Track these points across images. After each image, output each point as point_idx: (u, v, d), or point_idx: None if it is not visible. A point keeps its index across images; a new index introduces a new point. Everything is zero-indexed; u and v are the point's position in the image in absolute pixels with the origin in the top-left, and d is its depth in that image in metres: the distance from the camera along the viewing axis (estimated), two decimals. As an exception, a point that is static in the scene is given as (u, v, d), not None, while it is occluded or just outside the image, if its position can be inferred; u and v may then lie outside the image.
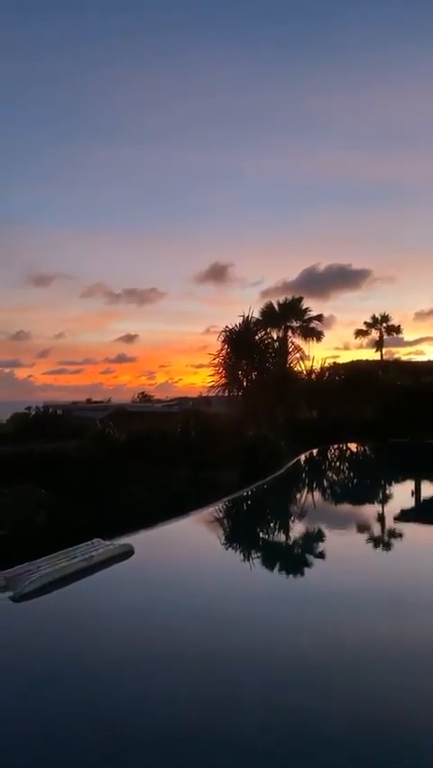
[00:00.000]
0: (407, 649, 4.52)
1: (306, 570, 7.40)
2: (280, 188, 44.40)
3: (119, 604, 5.61)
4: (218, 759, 3.07)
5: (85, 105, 36.24)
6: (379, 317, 30.12)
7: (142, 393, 44.49)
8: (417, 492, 13.97)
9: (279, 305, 26.20)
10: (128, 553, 6.92)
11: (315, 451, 20.78)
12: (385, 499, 13.47)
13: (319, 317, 26.45)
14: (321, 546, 8.47)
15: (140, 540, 7.56)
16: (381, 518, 10.89)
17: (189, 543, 8.51)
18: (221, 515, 10.35)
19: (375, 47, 29.27)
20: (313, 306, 26.96)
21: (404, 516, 10.64)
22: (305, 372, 27.15)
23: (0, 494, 8.60)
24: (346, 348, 35.83)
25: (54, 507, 8.95)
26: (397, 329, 30.11)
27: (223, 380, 24.87)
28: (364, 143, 38.46)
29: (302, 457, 18.88)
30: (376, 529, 9.80)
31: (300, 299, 26.44)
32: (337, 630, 4.91)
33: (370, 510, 12.14)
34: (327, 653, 4.44)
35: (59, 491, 9.75)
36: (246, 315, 25.49)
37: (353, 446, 23.02)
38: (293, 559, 7.92)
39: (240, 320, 25.40)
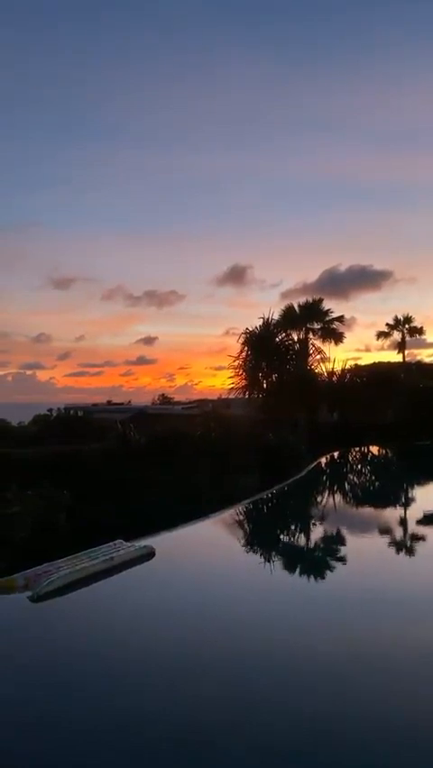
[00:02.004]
0: (427, 651, 4.41)
1: (325, 572, 7.29)
2: (300, 189, 44.38)
3: (139, 605, 5.59)
4: (239, 758, 3.02)
5: (107, 110, 36.70)
6: (401, 318, 29.77)
7: (162, 395, 44.62)
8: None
9: (299, 306, 26.07)
10: (149, 554, 6.89)
11: (335, 454, 20.57)
12: (407, 502, 13.24)
13: (340, 319, 26.26)
14: (341, 549, 8.36)
15: (161, 542, 7.53)
16: (402, 522, 10.70)
17: (210, 545, 8.45)
18: (241, 517, 10.28)
19: (393, 46, 29.03)
20: (333, 307, 26.78)
21: (427, 519, 10.42)
22: (326, 374, 26.94)
23: (21, 496, 8.63)
24: (368, 350, 35.48)
25: (75, 509, 8.99)
26: (420, 330, 29.75)
27: (243, 383, 24.82)
28: (386, 144, 38.19)
29: (323, 460, 18.70)
30: (397, 533, 9.63)
31: (321, 301, 26.28)
32: (356, 631, 4.83)
33: (391, 514, 11.94)
34: (346, 652, 4.38)
35: (80, 493, 9.78)
36: (266, 316, 25.42)
37: (374, 449, 22.74)
38: (313, 562, 7.82)
39: (260, 322, 25.35)
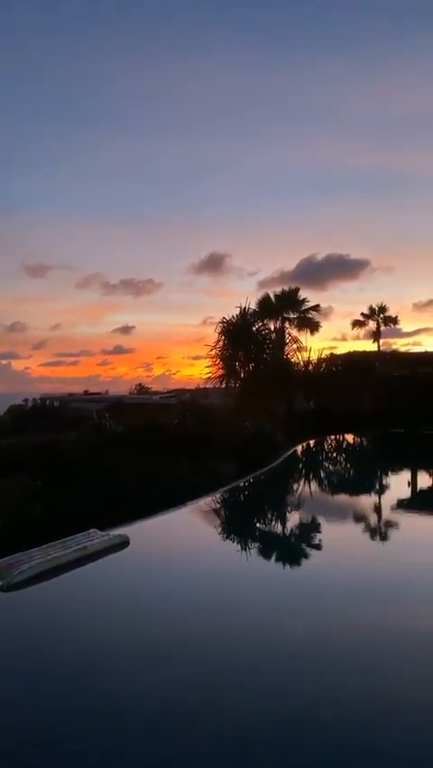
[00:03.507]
0: (400, 635, 4.52)
1: (300, 559, 7.41)
2: (278, 178, 44.20)
3: (112, 594, 5.61)
4: (217, 744, 3.07)
5: (84, 96, 35.96)
6: (376, 308, 30.06)
7: (140, 385, 44.42)
8: (413, 482, 13.99)
9: (276, 296, 26.11)
10: (124, 543, 6.91)
11: (311, 442, 20.79)
12: (381, 489, 13.49)
13: (316, 308, 26.37)
14: (316, 536, 8.48)
15: (136, 530, 7.55)
16: (376, 508, 10.90)
17: (185, 533, 8.50)
18: (217, 505, 10.35)
19: (374, 38, 29.03)
20: (311, 296, 26.89)
21: (400, 505, 10.65)
22: (302, 363, 27.12)
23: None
24: (344, 339, 35.70)
25: (50, 499, 8.94)
26: (394, 320, 30.07)
27: (220, 372, 24.85)
28: (364, 133, 38.26)
29: (299, 448, 18.89)
30: (371, 519, 9.81)
31: (297, 290, 26.35)
32: (330, 617, 4.91)
33: (365, 500, 12.15)
34: (321, 639, 4.44)
35: (56, 483, 9.73)
36: (243, 306, 25.43)
37: (349, 437, 23.04)
38: (288, 548, 7.94)
39: (237, 311, 25.35)
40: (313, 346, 27.32)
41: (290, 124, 38.44)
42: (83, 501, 9.03)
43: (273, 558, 7.69)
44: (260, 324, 25.73)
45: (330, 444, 21.63)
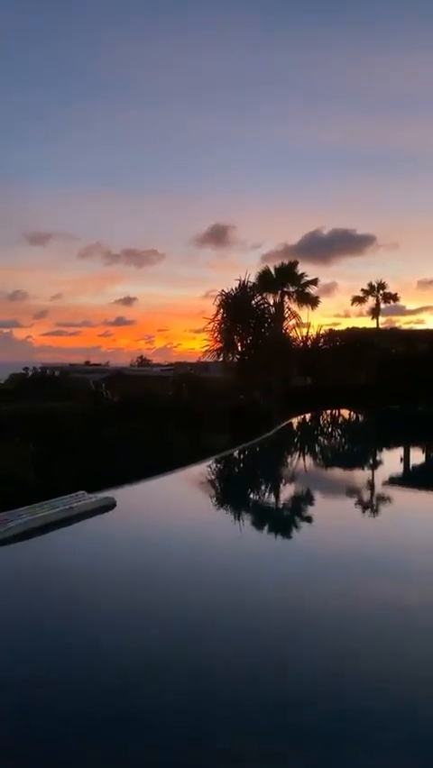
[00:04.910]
0: (390, 608, 4.56)
1: (283, 526, 7.66)
2: (285, 150, 43.65)
3: (95, 553, 5.91)
4: (201, 705, 3.20)
5: (87, 64, 35.35)
6: (376, 285, 30.02)
7: (141, 357, 44.81)
8: (405, 458, 14.22)
9: (275, 269, 26.10)
10: (110, 505, 7.20)
11: (306, 416, 21.07)
12: (373, 464, 13.75)
13: (315, 282, 26.37)
14: (303, 505, 8.74)
15: (123, 494, 7.85)
16: (366, 482, 11.19)
17: (172, 498, 8.81)
18: (205, 472, 10.65)
19: (380, 9, 28.37)
20: (315, 271, 26.88)
21: (392, 480, 10.82)
22: (301, 339, 27.25)
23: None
24: (347, 316, 35.69)
25: (43, 464, 9.25)
26: (394, 297, 30.02)
27: (218, 345, 25.02)
28: (371, 107, 37.62)
29: (293, 421, 19.18)
30: (361, 492, 10.03)
31: (296, 264, 26.30)
32: (314, 586, 4.99)
33: (354, 472, 12.44)
34: (305, 608, 4.54)
35: (52, 450, 10.04)
36: (243, 279, 25.45)
37: (344, 412, 23.30)
38: (273, 516, 8.20)
39: (237, 284, 25.39)
40: (315, 322, 27.47)
41: (297, 98, 37.84)
42: (76, 467, 9.35)
43: (256, 524, 7.96)
44: (259, 297, 25.79)
45: (324, 419, 21.91)
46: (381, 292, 30.00)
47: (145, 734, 2.85)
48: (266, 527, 7.77)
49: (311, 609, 4.48)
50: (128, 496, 8.03)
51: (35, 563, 5.59)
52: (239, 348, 25.34)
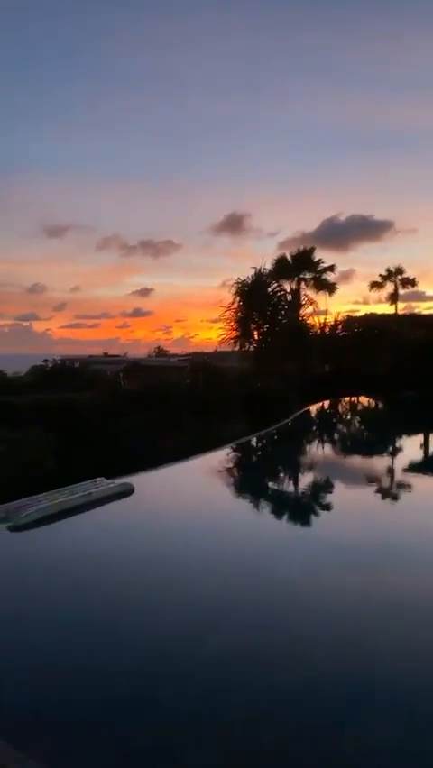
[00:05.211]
0: (413, 595, 4.58)
1: (301, 513, 7.74)
2: (301, 136, 43.19)
3: (113, 536, 6.07)
4: (207, 683, 3.32)
5: (104, 51, 35.28)
6: (393, 270, 29.65)
7: (158, 348, 44.91)
8: (426, 445, 14.13)
9: (291, 256, 25.96)
10: (128, 491, 7.37)
11: (323, 403, 21.04)
12: (392, 451, 13.70)
13: (331, 268, 26.17)
14: (318, 491, 8.82)
15: (140, 480, 8.02)
16: (385, 469, 11.20)
17: (188, 484, 8.95)
18: (221, 459, 10.76)
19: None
20: (333, 258, 26.76)
21: (412, 467, 10.72)
22: (318, 326, 27.10)
23: (9, 437, 9.07)
24: (366, 303, 35.36)
25: (64, 452, 9.45)
26: (412, 282, 29.61)
27: (234, 333, 25.00)
28: (389, 90, 36.96)
29: (310, 408, 19.18)
30: (380, 479, 10.04)
31: (312, 250, 26.11)
32: (329, 573, 5.07)
33: (375, 461, 12.40)
34: (315, 592, 4.62)
35: (72, 438, 10.24)
36: (259, 266, 25.35)
37: (361, 399, 23.20)
38: (288, 502, 8.29)
39: (253, 272, 25.31)
40: (333, 309, 27.28)
41: (314, 81, 37.32)
42: (95, 455, 9.54)
43: (270, 509, 8.06)
44: (275, 285, 25.68)
45: (341, 406, 21.85)
46: (399, 277, 29.63)
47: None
48: (280, 513, 7.86)
49: (326, 597, 4.48)
50: (146, 482, 8.19)
51: (54, 547, 5.77)
52: (255, 336, 25.30)
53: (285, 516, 7.65)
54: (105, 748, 2.69)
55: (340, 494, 8.61)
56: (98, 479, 7.50)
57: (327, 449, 13.91)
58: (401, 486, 9.31)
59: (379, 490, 8.90)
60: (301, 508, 7.88)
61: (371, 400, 23.48)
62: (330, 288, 26.03)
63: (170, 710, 2.98)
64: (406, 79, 35.16)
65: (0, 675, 3.30)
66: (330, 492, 8.70)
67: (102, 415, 12.60)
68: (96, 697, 3.12)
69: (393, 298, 30.03)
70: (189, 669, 3.39)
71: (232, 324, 24.99)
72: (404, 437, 15.60)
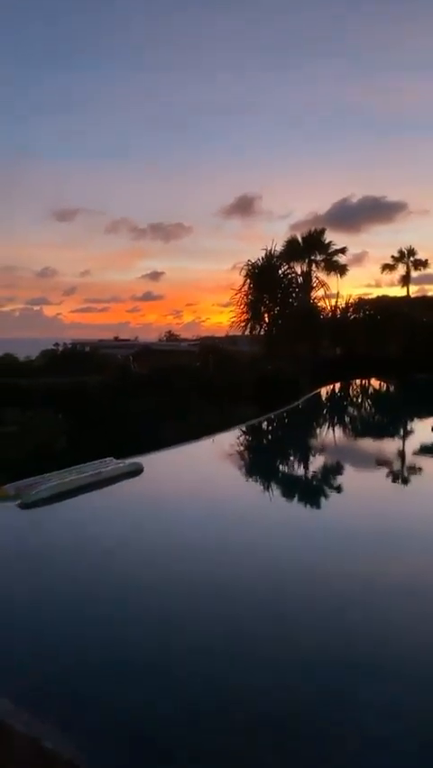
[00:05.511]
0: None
1: (307, 494, 7.74)
2: (313, 117, 42.56)
3: (122, 514, 6.12)
4: (214, 663, 3.27)
5: (112, 31, 34.89)
6: (405, 251, 29.27)
7: (169, 332, 44.90)
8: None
9: (302, 238, 25.70)
10: (138, 471, 7.41)
11: (334, 385, 20.96)
12: (402, 434, 13.63)
13: (343, 250, 25.90)
14: (327, 474, 8.80)
15: (150, 460, 8.06)
16: (395, 451, 11.15)
17: (197, 465, 8.98)
18: (231, 440, 10.79)
19: None
20: (345, 240, 26.55)
21: (423, 450, 10.61)
22: (329, 308, 26.91)
23: (20, 419, 9.16)
24: (378, 285, 34.90)
25: (75, 434, 9.54)
26: (424, 263, 29.22)
27: (245, 317, 24.90)
28: (403, 70, 36.18)
29: (321, 391, 19.13)
30: (390, 461, 9.95)
31: (323, 231, 25.83)
32: (336, 556, 5.00)
33: (384, 443, 12.33)
34: (321, 576, 4.55)
35: (82, 420, 10.33)
36: (269, 248, 25.13)
37: (373, 381, 23.08)
38: (297, 484, 8.30)
39: (263, 254, 25.11)
40: (345, 292, 27.00)
41: (326, 61, 36.63)
42: (105, 436, 9.61)
43: (279, 491, 8.06)
44: (286, 267, 25.48)
45: (352, 388, 21.75)
46: (411, 259, 29.27)
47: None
48: (289, 492, 7.88)
49: (334, 580, 4.40)
50: (155, 462, 8.24)
51: (63, 524, 5.83)
52: (266, 319, 25.19)
53: (293, 496, 7.67)
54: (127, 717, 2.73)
55: (349, 474, 8.60)
56: (108, 458, 7.55)
57: (338, 431, 13.88)
58: (420, 468, 9.15)
59: (395, 472, 8.83)
60: (309, 489, 7.89)
61: (382, 383, 23.34)
62: (341, 269, 25.80)
63: (180, 679, 3.01)
64: (421, 58, 34.40)
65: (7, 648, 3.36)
66: (339, 473, 8.69)
67: (112, 397, 12.68)
68: (104, 668, 3.16)
69: (405, 281, 29.72)
70: (198, 642, 3.43)
71: (242, 307, 24.90)
72: (416, 420, 15.49)
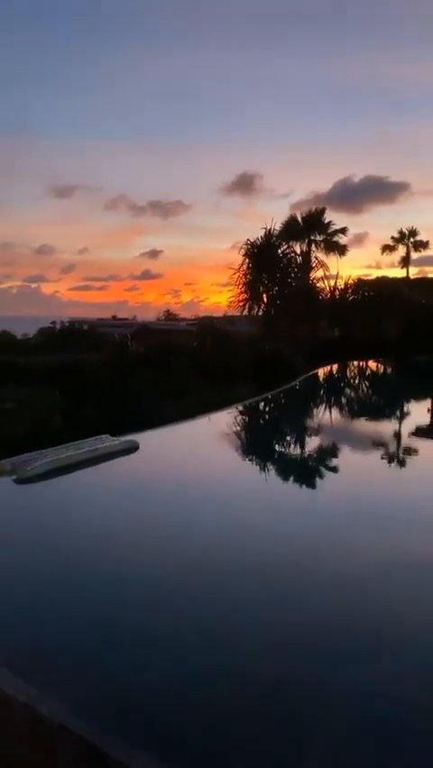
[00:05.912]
0: (416, 560, 4.45)
1: (302, 473, 7.79)
2: (316, 95, 41.90)
3: (117, 491, 6.18)
4: (206, 649, 3.25)
5: (110, 11, 34.09)
6: (406, 232, 29.03)
7: (168, 311, 44.70)
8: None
9: (302, 217, 25.45)
10: (133, 448, 7.46)
11: (331, 366, 20.97)
12: (399, 415, 13.65)
13: (343, 230, 25.65)
14: (323, 453, 8.85)
15: (146, 437, 8.10)
16: (391, 432, 11.18)
17: (193, 443, 9.03)
18: (228, 420, 10.82)
19: None
20: (346, 221, 26.35)
21: (418, 431, 10.63)
22: (328, 289, 26.77)
23: (16, 396, 9.17)
24: (379, 267, 34.70)
25: (71, 411, 9.56)
26: (425, 245, 29.03)
27: (243, 297, 24.74)
28: (407, 49, 35.49)
29: (318, 371, 19.14)
30: (386, 442, 9.93)
31: (323, 211, 25.54)
32: (331, 535, 5.04)
33: (381, 424, 12.36)
34: (318, 553, 4.57)
35: (79, 398, 10.34)
36: (268, 227, 24.87)
37: (370, 363, 23.07)
38: (293, 463, 8.35)
39: (263, 233, 24.87)
40: (346, 273, 26.78)
41: (329, 40, 35.89)
42: (102, 413, 9.63)
43: (273, 470, 8.12)
44: (285, 246, 25.26)
45: (349, 369, 21.77)
46: (411, 240, 29.05)
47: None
48: (283, 471, 7.94)
49: (329, 559, 4.42)
50: (151, 440, 8.28)
51: (59, 500, 5.89)
52: (265, 299, 25.05)
53: (289, 474, 7.73)
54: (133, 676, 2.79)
55: (344, 454, 8.66)
56: (103, 435, 7.59)
57: (334, 411, 13.92)
58: (415, 450, 9.16)
59: (390, 453, 8.84)
60: (305, 468, 7.95)
61: (381, 365, 23.34)
62: (341, 250, 25.58)
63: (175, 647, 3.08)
64: (423, 37, 33.69)
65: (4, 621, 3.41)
66: (334, 453, 8.73)
67: (110, 375, 12.69)
68: (99, 639, 3.22)
69: (406, 262, 29.55)
70: (190, 613, 3.50)
71: (241, 287, 24.73)
72: (413, 401, 15.53)
